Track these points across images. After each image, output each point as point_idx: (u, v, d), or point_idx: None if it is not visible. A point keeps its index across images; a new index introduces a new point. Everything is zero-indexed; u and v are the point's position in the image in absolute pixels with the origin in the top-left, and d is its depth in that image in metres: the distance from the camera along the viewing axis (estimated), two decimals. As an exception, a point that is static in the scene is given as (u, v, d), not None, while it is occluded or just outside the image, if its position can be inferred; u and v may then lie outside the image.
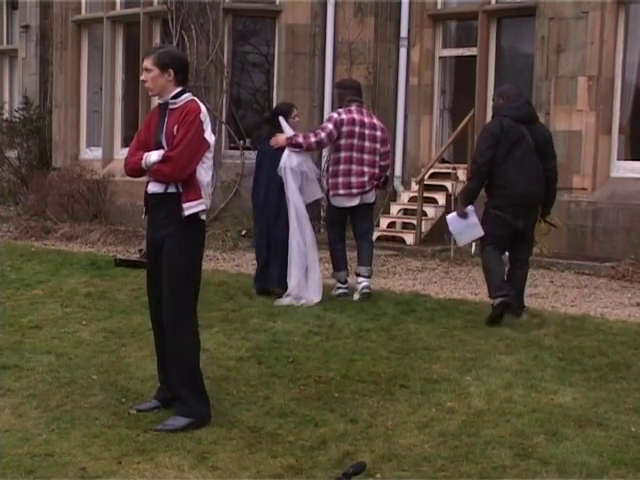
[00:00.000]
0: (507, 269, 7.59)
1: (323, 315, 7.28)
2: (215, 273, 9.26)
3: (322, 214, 12.75)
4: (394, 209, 12.68)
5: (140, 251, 10.16)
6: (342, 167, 8.07)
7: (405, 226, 12.42)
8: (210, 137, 4.73)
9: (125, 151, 15.35)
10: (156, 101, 4.93)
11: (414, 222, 12.04)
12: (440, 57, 13.00)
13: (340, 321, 7.09)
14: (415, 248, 11.63)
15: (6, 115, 16.51)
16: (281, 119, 8.04)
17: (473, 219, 7.33)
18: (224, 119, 13.00)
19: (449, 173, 11.87)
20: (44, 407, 4.88)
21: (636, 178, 10.86)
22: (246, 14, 13.47)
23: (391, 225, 12.55)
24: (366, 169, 8.12)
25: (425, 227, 12.01)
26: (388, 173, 8.67)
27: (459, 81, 13.13)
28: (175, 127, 4.63)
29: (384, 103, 12.90)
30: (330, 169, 8.19)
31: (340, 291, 8.21)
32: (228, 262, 10.54)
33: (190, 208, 4.64)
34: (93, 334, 6.60)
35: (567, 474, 4.02)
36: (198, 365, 4.77)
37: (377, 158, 8.19)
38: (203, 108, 4.73)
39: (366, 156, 8.12)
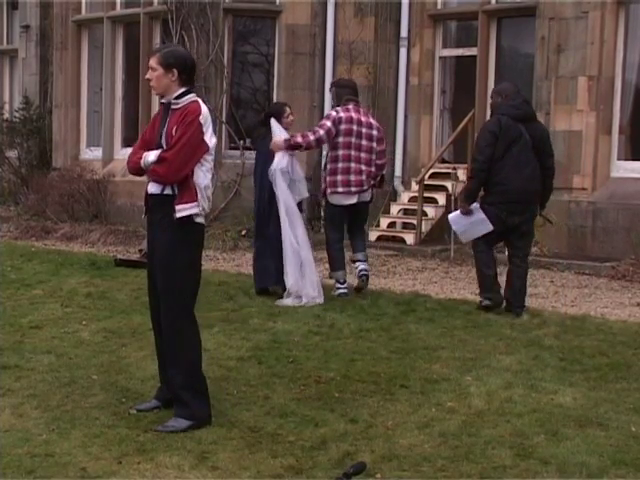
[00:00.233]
0: (507, 269, 7.63)
1: (323, 315, 7.28)
2: (215, 273, 9.26)
3: (322, 214, 12.78)
4: (394, 209, 12.68)
5: (140, 251, 10.17)
6: (341, 165, 8.11)
7: (405, 226, 12.43)
8: (210, 140, 4.68)
9: (125, 151, 15.46)
10: (157, 101, 4.92)
11: (414, 222, 12.04)
12: (440, 57, 13.00)
13: (340, 321, 7.09)
14: (415, 248, 11.63)
15: (6, 115, 16.50)
16: (272, 121, 8.03)
17: (479, 215, 7.45)
18: (224, 119, 13.00)
19: (449, 173, 11.87)
20: (44, 407, 4.88)
21: (636, 178, 10.86)
22: (246, 14, 13.46)
23: (391, 225, 12.55)
24: (364, 167, 8.19)
25: (425, 227, 12.01)
26: (384, 172, 8.73)
27: (459, 81, 13.14)
28: (174, 128, 4.62)
29: (384, 103, 12.90)
30: (328, 167, 8.20)
31: (340, 291, 8.21)
32: (228, 262, 10.55)
33: (182, 211, 4.61)
34: (93, 334, 6.60)
35: (567, 474, 4.02)
36: (200, 367, 4.76)
37: (374, 157, 8.29)
38: (204, 110, 4.68)
39: (363, 154, 8.18)
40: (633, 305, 8.20)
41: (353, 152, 8.12)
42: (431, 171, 12.22)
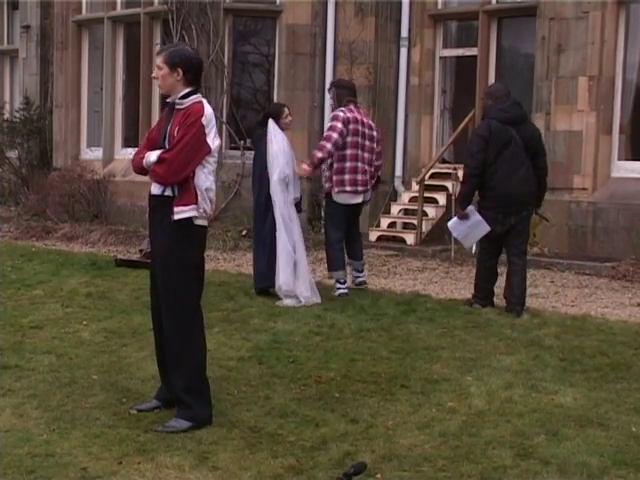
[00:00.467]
0: (506, 270, 7.66)
1: (323, 315, 7.28)
2: (215, 273, 9.26)
3: (322, 214, 12.78)
4: (395, 209, 12.68)
5: (140, 251, 10.17)
6: (349, 164, 8.18)
7: (406, 226, 12.43)
8: (213, 141, 4.64)
9: (125, 151, 15.44)
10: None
11: (415, 222, 12.04)
12: (441, 57, 13.00)
13: (340, 321, 7.09)
14: (416, 248, 11.63)
15: (7, 115, 16.51)
16: (270, 122, 8.03)
17: (476, 217, 7.53)
18: (224, 119, 13.00)
19: (449, 173, 11.86)
20: (45, 407, 4.88)
21: (636, 178, 10.86)
22: (246, 14, 13.47)
23: (392, 225, 12.55)
24: (367, 167, 8.32)
25: (426, 227, 12.01)
26: (380, 173, 8.83)
27: (460, 81, 13.14)
28: (177, 128, 4.61)
29: (385, 103, 12.90)
30: (335, 166, 8.20)
31: (340, 291, 8.21)
32: (228, 262, 10.55)
33: (180, 213, 4.59)
34: (94, 334, 6.60)
35: (568, 474, 4.02)
36: (203, 369, 4.74)
37: (373, 157, 8.41)
38: (208, 111, 4.65)
39: (366, 155, 8.30)
40: (633, 305, 8.20)
41: (359, 152, 8.22)
42: (431, 171, 12.22)
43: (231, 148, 13.15)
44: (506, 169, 7.40)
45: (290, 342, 6.40)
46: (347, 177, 8.19)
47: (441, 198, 12.23)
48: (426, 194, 11.99)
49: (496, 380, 5.46)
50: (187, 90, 4.67)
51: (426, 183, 11.95)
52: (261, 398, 5.11)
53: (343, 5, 12.85)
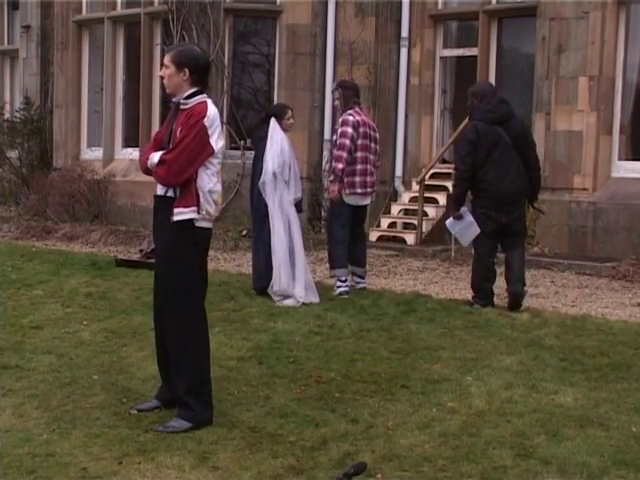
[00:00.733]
0: (505, 263, 7.78)
1: (324, 315, 7.28)
2: (216, 273, 9.25)
3: (323, 214, 12.77)
4: (395, 209, 12.68)
5: (141, 251, 10.17)
6: (359, 167, 8.28)
7: (406, 226, 12.43)
8: (216, 143, 4.61)
9: (125, 151, 15.42)
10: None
11: (415, 222, 12.04)
12: (441, 57, 13.00)
13: (341, 321, 7.09)
14: (416, 248, 11.63)
15: (7, 115, 16.51)
16: (272, 121, 8.06)
17: (468, 218, 7.68)
18: (225, 119, 12.99)
19: (450, 173, 11.83)
20: (45, 407, 4.88)
21: (637, 178, 10.85)
22: (247, 14, 13.46)
23: (392, 225, 12.55)
24: (373, 169, 8.45)
25: (426, 227, 12.01)
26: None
27: (460, 81, 13.12)
28: (179, 129, 4.60)
29: (385, 103, 12.90)
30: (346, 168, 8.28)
31: (341, 289, 8.22)
32: (229, 262, 10.55)
33: (180, 214, 4.58)
34: (94, 334, 6.60)
35: (568, 474, 4.02)
36: (206, 370, 4.73)
37: (376, 159, 8.54)
38: (211, 112, 4.62)
39: (372, 156, 8.43)
40: (634, 305, 8.20)
41: (367, 154, 8.34)
42: (432, 171, 12.22)
43: (231, 148, 13.14)
44: (497, 169, 7.49)
45: (290, 342, 6.40)
46: (358, 179, 8.28)
47: (441, 198, 12.23)
48: (426, 194, 11.99)
49: (496, 380, 5.46)
50: (192, 90, 4.65)
51: (426, 183, 11.95)
52: (261, 398, 5.11)
53: (343, 5, 12.84)
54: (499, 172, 7.50)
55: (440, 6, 12.93)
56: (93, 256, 10.68)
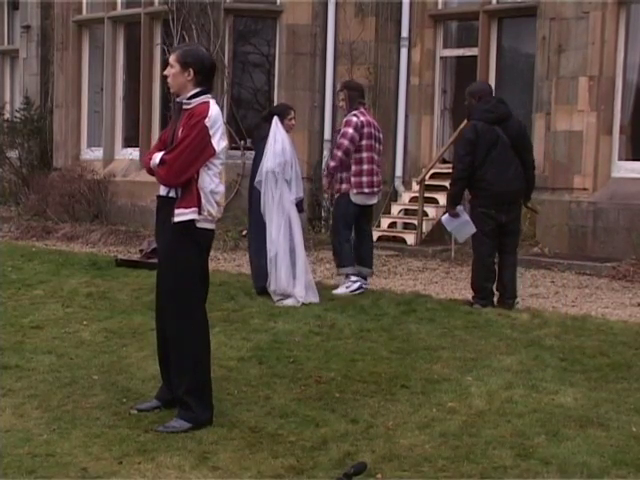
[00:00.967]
0: (498, 264, 7.83)
1: (324, 315, 7.28)
2: (216, 273, 9.23)
3: (323, 214, 12.77)
4: (395, 209, 12.68)
5: (141, 251, 10.17)
6: (366, 167, 8.35)
7: (406, 226, 12.43)
8: (218, 143, 4.60)
9: (125, 151, 15.40)
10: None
11: (415, 222, 12.04)
12: (441, 57, 13.01)
13: (341, 321, 7.09)
14: (416, 248, 11.63)
15: (7, 115, 16.51)
16: (275, 120, 8.07)
17: (464, 217, 7.73)
18: (225, 119, 12.96)
19: (450, 173, 11.83)
20: (45, 407, 4.88)
21: (637, 178, 10.85)
22: (247, 14, 13.46)
23: (392, 225, 12.55)
24: (378, 169, 8.54)
25: (426, 227, 12.01)
26: None
27: (460, 81, 13.12)
28: (181, 129, 4.59)
29: (385, 103, 12.90)
30: (353, 169, 8.33)
31: (355, 286, 8.29)
32: (229, 262, 10.55)
33: (180, 215, 4.57)
34: (94, 334, 6.60)
35: (568, 474, 4.02)
36: (206, 370, 4.72)
37: (379, 159, 8.64)
38: (213, 112, 4.60)
39: (376, 156, 8.49)
40: (634, 305, 8.20)
41: (373, 154, 8.41)
42: (432, 171, 12.22)
43: (231, 148, 13.14)
44: (495, 169, 7.52)
45: (290, 342, 6.40)
46: (365, 179, 8.35)
47: (441, 198, 12.20)
48: (426, 194, 11.99)
49: (496, 380, 5.46)
50: (196, 90, 4.64)
51: (426, 183, 11.95)
52: (261, 398, 5.11)
53: (343, 5, 12.84)
54: (498, 171, 7.53)
55: (440, 6, 12.93)
56: (93, 256, 10.68)
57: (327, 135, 12.99)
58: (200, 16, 12.70)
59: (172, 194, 4.64)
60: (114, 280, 8.87)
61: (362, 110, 8.43)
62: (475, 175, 7.56)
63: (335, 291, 8.36)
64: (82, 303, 7.74)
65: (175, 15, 12.72)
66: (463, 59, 12.89)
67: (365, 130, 8.30)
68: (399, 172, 13.04)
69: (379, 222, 12.43)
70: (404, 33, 12.90)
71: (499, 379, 5.49)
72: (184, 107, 4.67)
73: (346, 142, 8.24)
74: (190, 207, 4.57)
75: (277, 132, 8.00)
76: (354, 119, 8.31)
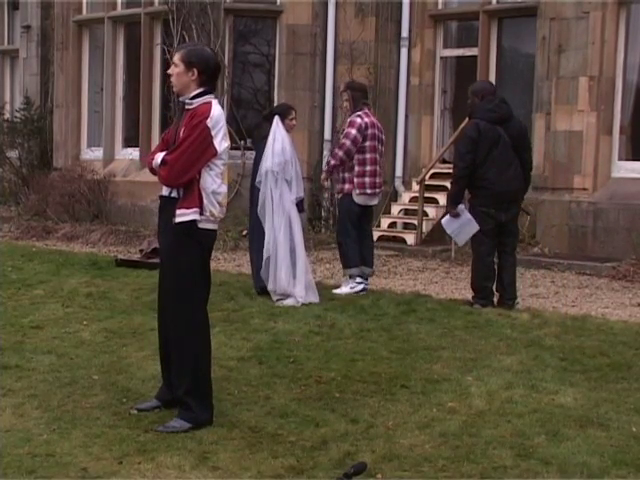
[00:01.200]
0: (497, 264, 7.84)
1: (324, 315, 7.28)
2: (216, 273, 9.20)
3: (323, 214, 12.78)
4: (395, 209, 12.69)
5: (141, 251, 10.17)
6: (369, 168, 8.38)
7: (406, 226, 12.44)
8: (220, 144, 4.60)
9: (125, 151, 15.40)
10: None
11: (415, 222, 12.04)
12: (441, 57, 13.01)
13: (341, 321, 7.09)
14: (416, 248, 11.63)
15: (7, 115, 16.52)
16: (276, 119, 8.08)
17: (466, 216, 7.72)
18: (225, 119, 12.99)
19: (450, 173, 11.82)
20: (45, 407, 4.88)
21: (637, 178, 10.85)
22: (247, 14, 13.46)
23: (392, 225, 12.55)
24: (380, 170, 8.58)
25: (426, 227, 12.01)
26: None
27: (460, 81, 13.12)
28: (182, 129, 4.59)
29: (385, 103, 12.90)
30: (356, 169, 8.35)
31: (360, 287, 8.32)
32: (229, 262, 10.55)
33: (182, 215, 4.56)
34: (94, 334, 6.60)
35: (568, 474, 4.02)
36: (207, 371, 4.72)
37: (381, 160, 8.67)
38: (215, 112, 4.59)
39: (378, 157, 8.53)
40: (634, 305, 8.20)
41: (376, 156, 8.45)
42: (432, 171, 12.23)
43: (231, 148, 13.09)
44: (496, 168, 7.55)
45: (290, 342, 6.40)
46: (368, 180, 8.37)
47: (441, 198, 12.21)
48: (426, 194, 11.99)
49: (496, 380, 5.46)
50: (199, 90, 4.63)
51: (426, 183, 11.96)
52: (261, 398, 5.11)
53: (343, 5, 12.84)
54: (499, 171, 7.55)
55: (440, 6, 12.94)
56: (93, 256, 10.68)
57: (327, 135, 12.99)
58: (200, 16, 12.71)
59: (174, 194, 4.63)
60: (114, 280, 8.87)
61: (366, 111, 8.46)
62: (476, 174, 7.57)
63: (335, 291, 8.37)
64: (82, 303, 7.74)
65: (175, 15, 12.72)
66: (463, 59, 12.89)
67: (369, 131, 8.33)
68: (399, 172, 13.04)
69: (379, 222, 12.43)
70: (404, 33, 12.91)
71: (499, 379, 5.49)
72: (186, 107, 4.66)
73: (348, 143, 8.27)
74: (192, 208, 4.56)
75: (277, 132, 8.02)
76: (358, 120, 8.32)
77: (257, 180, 8.06)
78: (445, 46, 13.02)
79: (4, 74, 17.93)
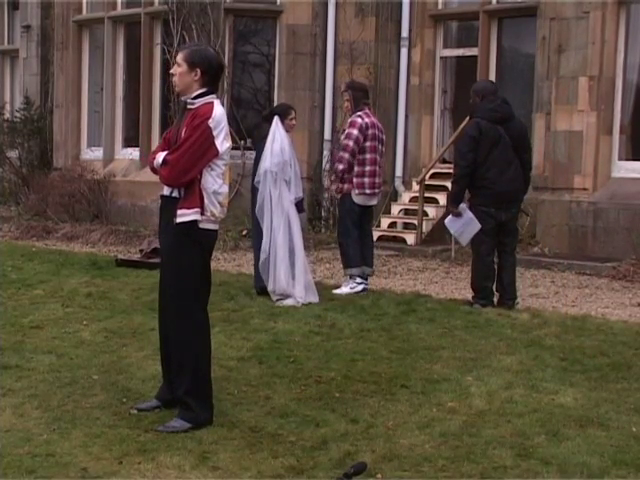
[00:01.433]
0: (497, 264, 7.85)
1: (324, 315, 7.28)
2: (216, 273, 9.18)
3: (323, 214, 12.77)
4: (395, 209, 12.69)
5: (141, 251, 10.17)
6: (369, 168, 8.39)
7: (406, 226, 12.44)
8: (222, 144, 4.60)
9: (125, 151, 15.40)
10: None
11: (415, 222, 12.04)
12: (441, 57, 13.01)
13: (341, 321, 7.09)
14: (416, 248, 11.63)
15: (7, 115, 16.52)
16: (276, 120, 8.08)
17: (468, 215, 7.72)
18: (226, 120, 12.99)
19: (450, 173, 11.82)
20: (45, 407, 4.88)
21: (637, 178, 10.85)
22: (247, 14, 13.46)
23: (392, 225, 12.55)
24: (380, 170, 8.58)
25: (426, 227, 12.01)
26: None
27: (460, 81, 13.13)
28: (184, 129, 4.59)
29: (385, 103, 12.90)
30: (355, 169, 8.36)
31: (360, 287, 8.32)
32: (229, 262, 10.55)
33: (183, 216, 4.55)
34: (94, 334, 6.60)
35: (568, 474, 4.02)
36: (207, 371, 4.72)
37: (381, 160, 8.67)
38: (217, 113, 4.59)
39: (378, 157, 8.53)
40: (634, 305, 8.20)
41: (376, 156, 8.45)
42: (432, 171, 12.23)
43: (231, 148, 13.14)
44: (497, 168, 7.56)
45: (290, 342, 6.40)
46: (367, 180, 8.38)
47: (441, 198, 12.22)
48: (426, 194, 11.99)
49: (496, 380, 5.46)
50: (201, 91, 4.62)
51: (426, 183, 11.96)
52: (261, 398, 5.11)
53: (343, 5, 12.85)
54: (499, 171, 7.56)
55: (440, 6, 12.94)
56: (93, 256, 10.68)
57: (327, 135, 12.99)
58: (200, 16, 12.71)
59: (175, 194, 4.63)
60: (114, 280, 8.87)
61: (367, 111, 8.46)
62: (476, 174, 7.58)
63: (335, 291, 8.37)
64: (82, 303, 7.74)
65: (175, 15, 12.73)
66: (463, 59, 12.89)
67: (370, 132, 8.34)
68: (399, 172, 13.05)
69: (379, 222, 12.43)
70: (404, 33, 12.91)
71: (499, 379, 5.49)
72: (188, 107, 4.66)
73: (351, 143, 8.28)
74: (192, 208, 4.56)
75: (277, 132, 8.02)
76: (359, 120, 8.32)
77: (256, 180, 8.06)
78: (445, 46, 13.03)
79: (4, 74, 17.94)
